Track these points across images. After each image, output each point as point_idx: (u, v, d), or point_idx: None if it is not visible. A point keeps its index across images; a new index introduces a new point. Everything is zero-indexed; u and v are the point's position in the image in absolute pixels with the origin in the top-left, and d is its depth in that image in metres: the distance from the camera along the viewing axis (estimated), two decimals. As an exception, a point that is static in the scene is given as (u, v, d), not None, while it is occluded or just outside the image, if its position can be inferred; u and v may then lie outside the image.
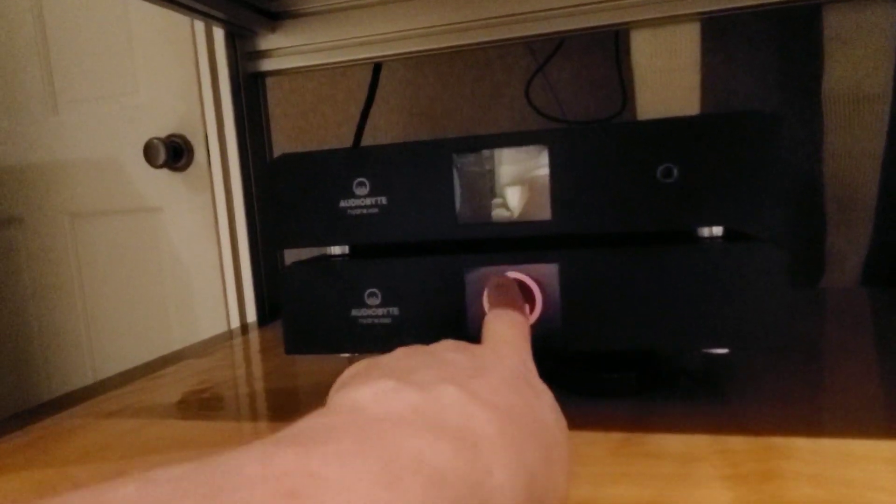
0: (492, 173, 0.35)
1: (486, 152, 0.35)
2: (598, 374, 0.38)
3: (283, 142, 1.09)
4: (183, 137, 1.12)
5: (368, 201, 0.37)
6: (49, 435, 0.39)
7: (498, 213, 0.35)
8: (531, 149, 0.34)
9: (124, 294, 1.22)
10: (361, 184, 0.37)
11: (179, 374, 0.51)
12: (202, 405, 0.42)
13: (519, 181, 0.35)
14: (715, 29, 0.84)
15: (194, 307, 1.18)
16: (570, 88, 0.91)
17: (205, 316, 1.17)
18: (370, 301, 0.37)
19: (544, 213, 0.35)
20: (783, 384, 0.38)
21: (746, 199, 0.32)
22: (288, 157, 0.38)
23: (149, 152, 1.09)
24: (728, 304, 0.33)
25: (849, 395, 0.36)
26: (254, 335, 0.65)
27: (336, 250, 0.40)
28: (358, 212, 0.37)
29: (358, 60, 0.72)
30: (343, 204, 0.37)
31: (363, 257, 0.37)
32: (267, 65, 0.74)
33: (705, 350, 0.34)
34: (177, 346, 1.21)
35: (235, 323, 0.79)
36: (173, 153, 1.10)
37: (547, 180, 0.34)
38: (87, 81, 1.19)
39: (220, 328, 1.16)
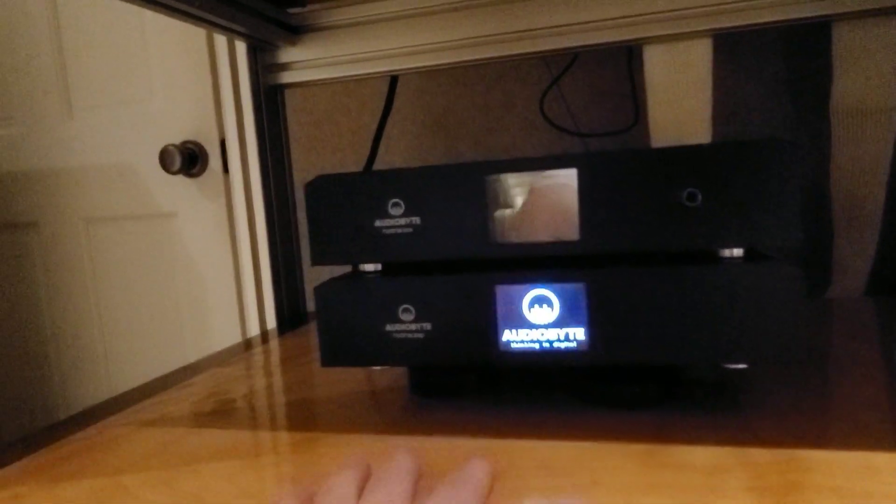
0: (522, 195, 0.37)
1: (516, 175, 0.37)
2: (618, 385, 0.40)
3: (297, 151, 1.11)
4: (198, 144, 1.14)
5: (403, 221, 0.38)
6: (95, 444, 0.40)
7: (527, 233, 0.37)
8: (560, 172, 0.36)
9: (138, 299, 1.24)
10: (396, 204, 0.38)
11: (207, 383, 0.53)
12: (236, 415, 0.44)
13: (548, 202, 0.37)
14: (724, 41, 0.86)
15: (208, 313, 1.19)
16: (583, 100, 0.93)
17: (218, 321, 1.19)
18: (404, 316, 0.39)
19: (572, 233, 0.36)
20: (797, 395, 0.40)
21: (767, 222, 0.34)
22: (325, 179, 0.39)
23: (165, 159, 1.11)
24: (748, 322, 0.34)
25: (862, 406, 0.37)
26: (275, 344, 0.67)
27: (369, 267, 0.41)
28: (392, 231, 0.39)
29: (376, 73, 0.74)
30: (378, 223, 0.39)
31: (396, 274, 0.39)
32: (287, 77, 0.76)
33: (725, 365, 0.35)
34: (190, 352, 1.22)
35: (254, 330, 0.81)
36: (189, 160, 1.12)
37: (576, 202, 0.36)
38: (103, 87, 1.21)
39: (233, 334, 1.17)
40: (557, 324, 0.37)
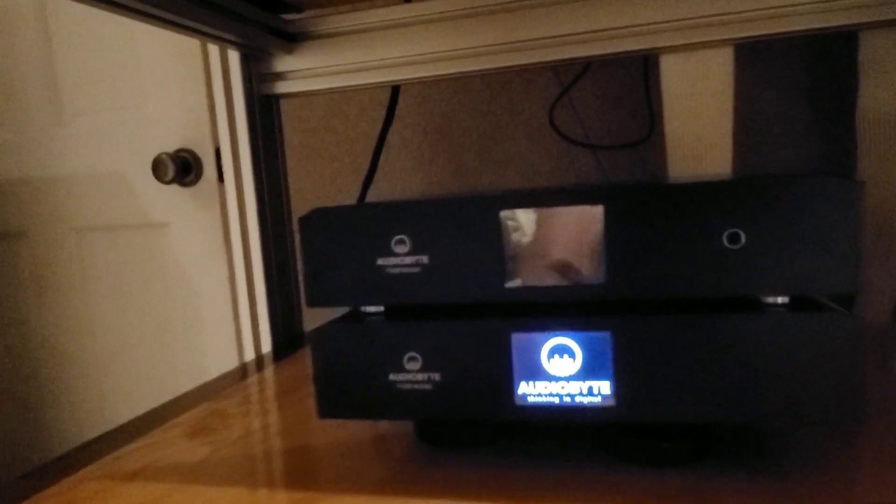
0: (542, 232, 0.33)
1: (535, 210, 0.33)
2: (648, 441, 0.36)
3: (292, 159, 1.07)
4: (191, 152, 1.10)
5: (408, 260, 0.35)
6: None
7: (546, 275, 0.33)
8: (585, 208, 0.32)
9: (130, 312, 1.20)
10: (401, 241, 0.35)
11: (197, 422, 0.49)
12: (228, 465, 0.40)
13: (570, 241, 0.33)
14: (743, 47, 0.82)
15: (202, 327, 1.16)
16: (594, 108, 0.89)
17: (212, 335, 1.15)
18: (409, 366, 0.35)
19: (598, 275, 0.33)
20: (843, 452, 0.36)
21: (818, 267, 0.30)
22: (321, 212, 0.35)
23: (157, 168, 1.07)
24: (795, 378, 0.31)
25: (919, 468, 0.33)
26: (269, 372, 0.63)
27: (371, 308, 0.38)
28: (397, 270, 0.35)
29: (376, 84, 0.70)
30: (381, 262, 0.35)
31: (401, 318, 0.35)
32: (283, 87, 0.72)
33: (768, 427, 0.31)
34: (183, 366, 1.18)
35: (249, 345, 0.77)
36: (182, 168, 1.08)
37: (601, 241, 0.32)
38: (94, 94, 1.17)
39: (228, 349, 1.14)
40: (580, 376, 0.33)
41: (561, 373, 0.33)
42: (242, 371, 0.64)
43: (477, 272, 0.34)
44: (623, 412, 0.33)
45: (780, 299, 0.32)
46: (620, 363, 0.32)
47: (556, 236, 0.33)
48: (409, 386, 0.35)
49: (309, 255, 0.36)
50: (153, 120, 1.13)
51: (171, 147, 1.11)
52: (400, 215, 0.34)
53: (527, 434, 0.41)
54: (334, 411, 0.36)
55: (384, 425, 0.45)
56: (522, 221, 0.33)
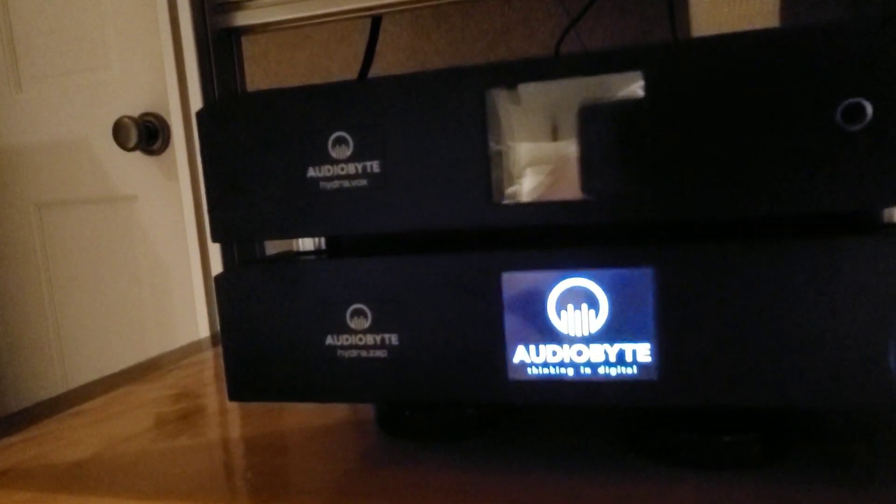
0: (549, 120, 0.22)
1: (539, 86, 0.22)
2: (706, 436, 0.25)
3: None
4: (158, 116, 0.99)
5: (352, 168, 0.24)
6: None
7: (556, 186, 0.22)
8: (616, 78, 0.21)
9: (96, 291, 1.10)
10: (341, 140, 0.24)
11: (100, 411, 0.38)
12: (112, 466, 0.29)
13: (593, 132, 0.22)
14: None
15: (171, 305, 1.05)
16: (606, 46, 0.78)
17: (183, 315, 1.05)
18: (355, 323, 0.24)
19: (633, 182, 0.22)
20: None
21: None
22: (228, 102, 0.24)
23: (119, 133, 0.96)
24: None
25: None
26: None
27: (308, 245, 0.27)
28: (336, 184, 0.24)
29: (353, 12, 0.59)
30: (313, 173, 0.24)
31: (341, 254, 0.24)
32: (242, 18, 0.61)
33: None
34: (152, 348, 1.08)
35: (205, 330, 0.67)
36: (147, 134, 0.97)
37: (640, 130, 0.21)
38: (54, 55, 1.06)
39: (202, 329, 1.03)
40: (605, 337, 0.22)
41: (576, 332, 0.22)
42: (190, 349, 0.53)
43: (451, 183, 0.23)
44: (669, 390, 0.22)
45: (917, 215, 0.21)
46: (667, 317, 0.21)
47: (570, 124, 0.22)
48: (354, 353, 0.24)
49: (211, 165, 0.25)
50: (117, 81, 1.02)
51: (137, 111, 1.00)
52: (339, 102, 0.23)
53: (526, 422, 0.31)
54: (248, 392, 0.25)
55: (336, 411, 0.34)
56: (519, 104, 0.22)
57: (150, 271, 1.06)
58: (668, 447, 0.25)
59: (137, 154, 1.01)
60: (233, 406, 0.37)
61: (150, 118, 0.99)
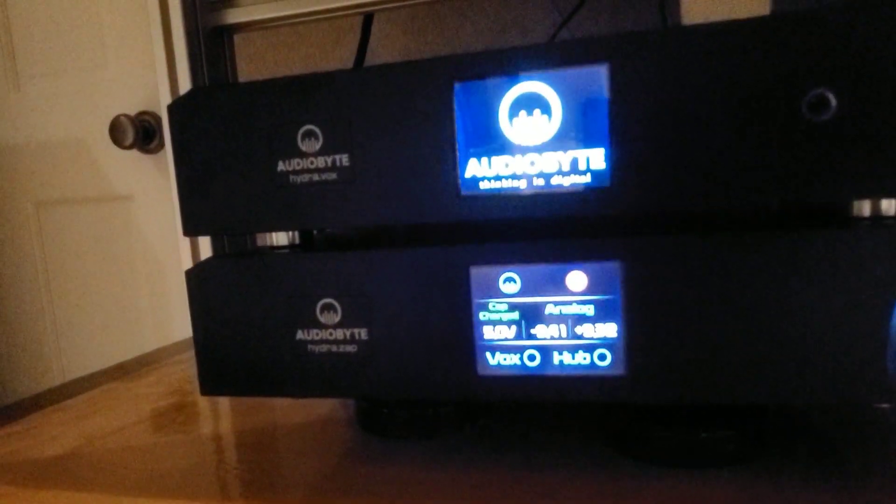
0: (516, 111, 0.22)
1: (507, 78, 0.22)
2: (681, 433, 0.25)
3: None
4: (154, 115, 0.99)
5: (322, 162, 0.24)
6: None
7: (523, 177, 0.22)
8: (581, 72, 0.21)
9: (93, 290, 1.10)
10: (311, 134, 0.24)
11: (85, 407, 0.38)
12: (92, 461, 0.29)
13: (561, 123, 0.22)
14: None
15: (169, 305, 1.05)
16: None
17: (180, 315, 1.05)
18: (325, 318, 0.24)
19: (601, 175, 0.21)
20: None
21: (952, 150, 0.19)
22: (200, 93, 0.24)
23: (115, 131, 0.96)
24: (910, 329, 0.19)
25: None
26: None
27: (280, 239, 0.27)
28: (306, 178, 0.24)
29: (345, 8, 0.59)
30: (283, 167, 0.24)
31: (310, 248, 0.24)
32: (233, 15, 0.61)
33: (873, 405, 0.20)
34: (150, 346, 1.08)
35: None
36: (143, 133, 0.97)
37: (606, 119, 0.21)
38: (51, 55, 1.07)
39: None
40: (574, 336, 0.22)
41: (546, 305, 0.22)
42: (180, 346, 0.53)
43: (420, 176, 0.23)
44: (637, 386, 0.22)
45: (884, 205, 0.21)
46: (633, 309, 0.21)
47: (538, 116, 0.22)
48: (324, 348, 0.24)
49: (182, 159, 0.25)
50: (115, 81, 1.02)
51: (135, 110, 1.00)
52: (308, 95, 0.23)
53: (504, 420, 0.30)
54: (220, 386, 0.25)
55: (315, 407, 0.34)
56: (488, 95, 0.22)
57: (147, 269, 1.06)
58: (651, 446, 0.25)
59: (134, 153, 1.01)
60: (216, 402, 0.37)
61: (147, 117, 0.99)
